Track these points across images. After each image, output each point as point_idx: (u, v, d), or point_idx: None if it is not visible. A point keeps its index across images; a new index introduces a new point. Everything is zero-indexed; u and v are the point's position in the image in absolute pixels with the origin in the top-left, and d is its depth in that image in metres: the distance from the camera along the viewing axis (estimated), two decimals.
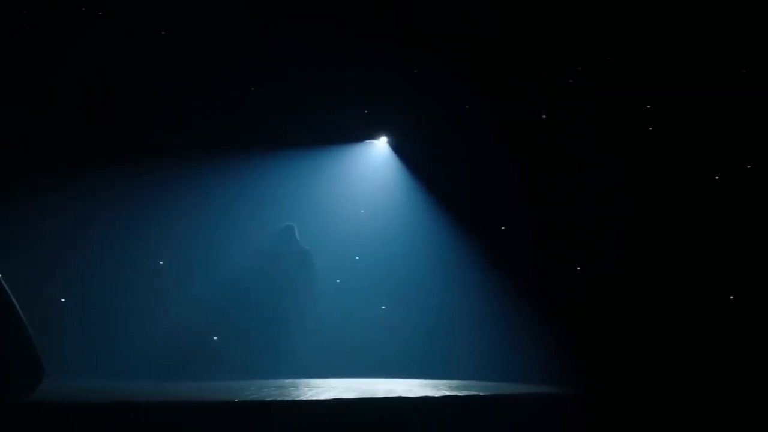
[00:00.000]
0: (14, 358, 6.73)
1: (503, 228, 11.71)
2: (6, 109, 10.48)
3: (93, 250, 11.14)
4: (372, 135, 12.20)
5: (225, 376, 10.23)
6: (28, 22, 10.68)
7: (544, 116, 11.59)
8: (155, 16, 11.09)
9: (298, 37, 11.17)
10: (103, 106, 11.01)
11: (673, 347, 9.83)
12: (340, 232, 11.64)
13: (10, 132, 10.58)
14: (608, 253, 10.69)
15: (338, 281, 11.59)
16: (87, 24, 11.01)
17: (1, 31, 10.50)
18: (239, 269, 11.36)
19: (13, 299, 6.80)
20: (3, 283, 6.80)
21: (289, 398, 6.97)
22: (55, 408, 6.09)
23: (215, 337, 11.21)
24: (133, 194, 11.26)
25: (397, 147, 12.20)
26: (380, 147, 12.27)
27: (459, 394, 7.42)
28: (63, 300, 10.95)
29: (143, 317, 11.12)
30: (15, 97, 10.58)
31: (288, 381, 9.49)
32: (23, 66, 10.60)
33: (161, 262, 11.54)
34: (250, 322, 11.14)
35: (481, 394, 7.45)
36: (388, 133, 12.20)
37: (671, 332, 10.08)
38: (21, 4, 10.68)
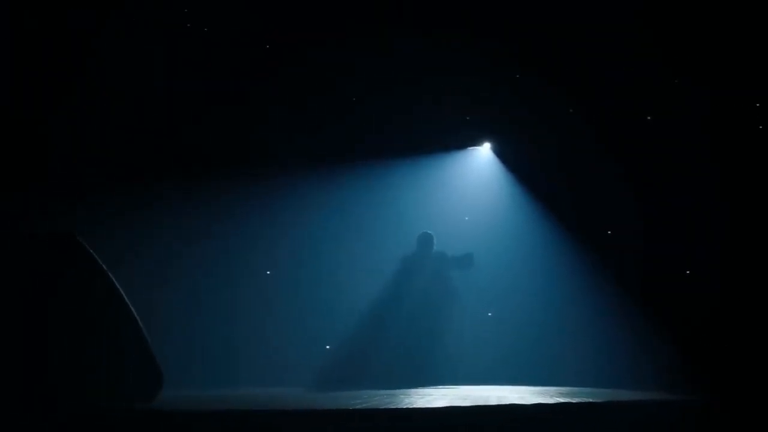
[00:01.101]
0: (134, 366, 6.90)
1: (609, 232, 11.57)
2: (122, 120, 10.74)
3: (204, 258, 11.33)
4: (475, 141, 12.19)
5: (334, 385, 10.30)
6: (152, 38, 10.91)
7: (649, 117, 11.44)
8: (264, 28, 11.25)
9: (400, 47, 11.23)
10: (213, 116, 11.20)
11: None
12: (445, 240, 11.62)
13: (125, 142, 10.83)
14: (718, 256, 10.49)
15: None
16: (196, 40, 11.23)
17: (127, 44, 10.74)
18: (366, 277, 11.43)
19: (132, 308, 6.97)
20: (121, 291, 6.98)
21: (402, 406, 6.99)
22: (175, 416, 6.20)
23: (327, 347, 11.29)
24: (244, 203, 11.43)
25: (500, 153, 12.17)
26: (484, 153, 12.25)
27: (572, 400, 7.35)
28: (173, 308, 11.13)
29: (254, 325, 11.28)
30: (131, 109, 10.84)
31: (398, 390, 9.51)
32: (144, 79, 10.84)
33: (268, 272, 11.68)
34: (372, 331, 11.15)
35: (594, 401, 7.37)
36: (492, 139, 12.17)
37: None
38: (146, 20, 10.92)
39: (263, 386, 10.29)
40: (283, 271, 11.65)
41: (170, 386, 7.29)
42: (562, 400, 7.46)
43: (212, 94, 11.13)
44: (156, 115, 10.98)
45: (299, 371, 10.81)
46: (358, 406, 6.84)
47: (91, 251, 6.94)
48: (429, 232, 11.44)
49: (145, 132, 10.94)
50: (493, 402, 7.19)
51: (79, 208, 10.04)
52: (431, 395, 8.35)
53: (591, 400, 7.52)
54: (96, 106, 10.55)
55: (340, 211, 11.73)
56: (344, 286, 11.49)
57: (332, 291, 11.49)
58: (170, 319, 10.84)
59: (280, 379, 10.74)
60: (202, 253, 11.30)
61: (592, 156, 11.40)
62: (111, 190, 10.57)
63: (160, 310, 10.65)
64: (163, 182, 10.86)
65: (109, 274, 6.96)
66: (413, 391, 9.37)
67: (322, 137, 11.50)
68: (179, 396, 7.83)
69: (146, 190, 10.80)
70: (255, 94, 11.29)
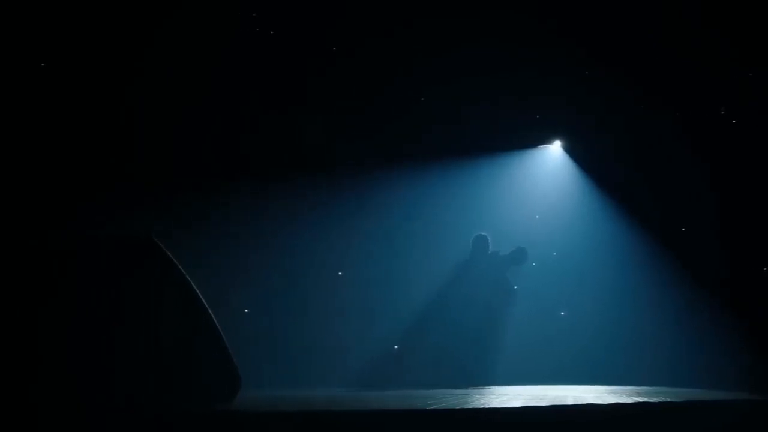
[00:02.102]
0: (212, 367, 6.94)
1: (683, 229, 11.41)
2: (198, 122, 10.86)
3: (279, 259, 11.39)
4: (546, 140, 12.10)
5: (405, 385, 10.29)
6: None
7: (722, 112, 11.26)
8: (333, 29, 11.29)
9: (470, 43, 11.17)
10: (282, 119, 11.26)
11: None
12: (516, 239, 11.55)
13: (199, 146, 10.94)
14: None
15: (516, 287, 11.51)
16: (264, 41, 11.30)
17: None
18: (430, 279, 11.41)
19: (209, 310, 7.02)
20: (198, 294, 7.03)
21: (479, 406, 6.94)
22: (254, 417, 6.23)
23: (395, 347, 11.28)
24: (316, 205, 11.48)
25: (571, 150, 12.06)
26: (554, 151, 12.16)
27: (651, 400, 7.23)
28: (246, 310, 11.21)
29: (325, 326, 11.32)
30: (211, 110, 10.96)
31: (472, 389, 9.46)
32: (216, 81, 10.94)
33: (340, 273, 11.71)
34: (440, 332, 11.12)
35: (674, 400, 7.25)
36: (563, 137, 12.06)
37: None
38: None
39: (332, 387, 10.32)
40: (354, 272, 11.67)
41: (245, 387, 7.32)
42: (640, 399, 7.34)
43: (280, 96, 11.19)
44: (225, 118, 11.06)
45: (367, 371, 10.82)
46: (434, 406, 6.80)
47: (169, 254, 7.00)
48: (483, 233, 11.36)
49: (217, 135, 11.03)
50: (570, 402, 7.10)
51: (156, 210, 10.16)
52: (506, 395, 8.29)
53: (672, 399, 7.39)
54: (171, 109, 10.66)
55: (411, 211, 11.73)
56: (414, 286, 11.48)
57: (401, 292, 11.49)
58: (244, 319, 10.94)
59: (350, 379, 10.75)
60: (275, 255, 11.37)
61: (666, 150, 11.25)
62: (186, 192, 10.68)
63: (233, 311, 10.79)
64: (235, 185, 10.94)
65: (186, 276, 7.01)
66: (486, 390, 9.31)
67: (393, 138, 11.50)
68: (256, 397, 7.87)
69: (220, 192, 10.89)
70: (324, 95, 11.33)
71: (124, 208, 10.02)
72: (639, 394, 8.13)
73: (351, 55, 11.38)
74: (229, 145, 11.08)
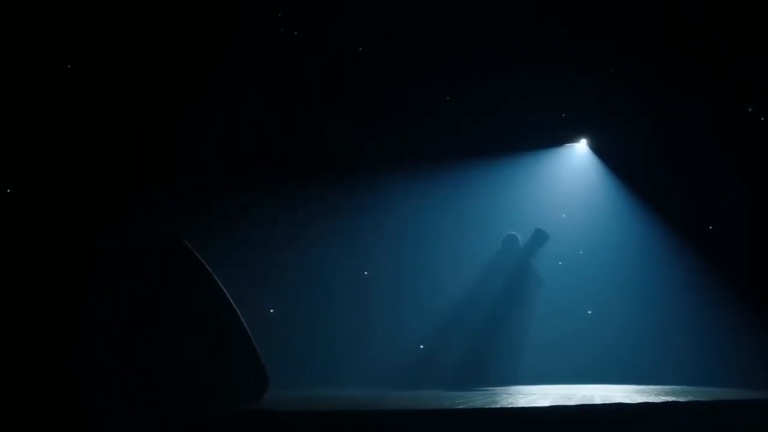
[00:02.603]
0: (241, 367, 6.98)
1: (710, 227, 11.35)
2: (227, 121, 10.90)
3: (307, 259, 11.41)
4: (572, 138, 12.07)
5: (433, 385, 10.28)
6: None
7: (750, 109, 11.20)
8: (359, 25, 11.30)
9: (495, 41, 11.15)
10: (310, 117, 11.27)
11: None
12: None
13: (227, 143, 10.98)
14: None
15: (543, 277, 11.47)
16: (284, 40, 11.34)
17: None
18: (458, 278, 11.41)
19: (237, 310, 7.05)
20: (227, 294, 7.07)
21: (506, 406, 6.93)
22: (283, 417, 6.26)
23: (421, 346, 11.29)
24: (342, 203, 11.50)
25: (598, 149, 12.02)
26: (581, 150, 12.13)
27: (680, 399, 7.21)
28: (272, 311, 11.25)
29: (352, 325, 11.34)
30: (239, 109, 11.00)
31: (498, 389, 9.45)
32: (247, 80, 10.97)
33: (366, 272, 11.73)
34: (467, 331, 11.11)
35: (703, 399, 7.22)
36: (589, 136, 12.03)
37: None
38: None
39: (359, 386, 10.33)
40: (381, 271, 11.68)
41: (272, 386, 7.35)
42: (668, 398, 7.31)
43: (310, 94, 11.21)
44: (253, 118, 11.10)
45: (394, 371, 10.82)
46: (462, 406, 6.81)
47: (197, 254, 7.04)
48: (513, 233, 11.33)
49: (246, 135, 11.07)
50: (598, 401, 7.08)
51: (185, 211, 10.21)
52: (533, 394, 8.28)
53: (700, 399, 7.36)
54: (199, 108, 10.71)
55: (437, 210, 11.72)
56: (441, 285, 11.48)
57: (429, 290, 11.49)
58: (271, 320, 10.98)
59: (377, 379, 10.76)
60: (303, 255, 11.40)
61: (693, 148, 11.20)
62: (215, 193, 10.72)
63: (261, 311, 10.82)
64: (264, 185, 10.97)
65: (214, 276, 7.04)
66: (514, 389, 9.30)
67: (418, 136, 11.49)
68: (284, 396, 7.90)
69: (249, 193, 10.92)
70: (353, 95, 11.34)
71: (154, 209, 10.08)
72: (667, 394, 8.10)
73: (378, 52, 11.37)
74: (258, 144, 11.11)
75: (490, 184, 11.79)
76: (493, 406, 6.94)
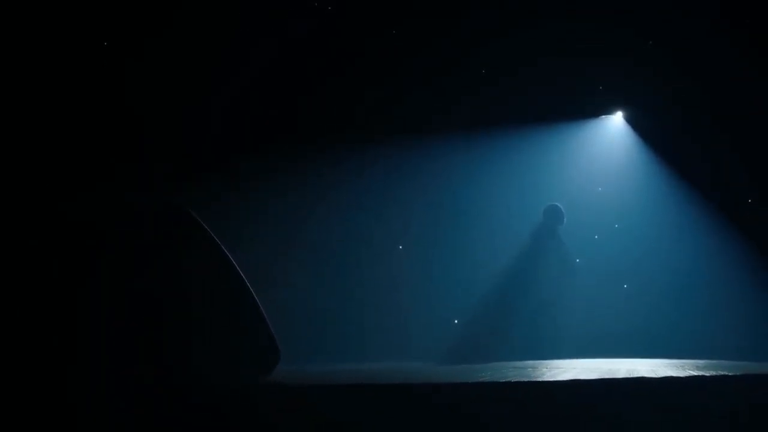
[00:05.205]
0: (251, 340, 6.94)
1: (750, 201, 11.21)
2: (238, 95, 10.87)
3: (323, 232, 11.42)
4: (607, 110, 11.96)
5: (458, 359, 10.28)
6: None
7: None
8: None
9: (530, 12, 11.03)
10: (341, 87, 11.22)
11: None
12: (578, 212, 11.47)
13: (243, 116, 10.97)
14: None
15: (578, 260, 11.42)
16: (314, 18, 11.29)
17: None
18: (495, 251, 11.36)
19: (247, 283, 7.03)
20: (237, 267, 7.03)
21: (529, 379, 6.94)
22: (294, 390, 6.31)
23: (456, 321, 11.30)
24: (365, 175, 11.49)
25: (634, 122, 11.90)
26: (617, 122, 12.02)
27: (705, 374, 7.14)
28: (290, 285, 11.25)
29: (384, 299, 11.37)
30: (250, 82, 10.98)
31: (527, 362, 9.44)
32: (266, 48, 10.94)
33: (400, 246, 11.74)
34: (501, 306, 11.09)
35: (730, 374, 7.14)
36: (625, 108, 11.90)
37: None
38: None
39: (388, 360, 10.37)
40: (414, 245, 11.69)
41: (300, 360, 7.38)
42: (694, 373, 7.26)
43: (341, 64, 11.16)
44: (277, 86, 11.05)
45: (426, 345, 10.82)
46: (486, 379, 6.83)
47: (205, 226, 6.97)
48: (557, 204, 11.25)
49: (268, 105, 11.04)
50: (621, 375, 7.05)
51: (210, 182, 10.23)
52: (559, 367, 8.25)
53: (727, 372, 7.29)
54: (211, 78, 10.67)
55: (470, 182, 11.69)
56: (474, 259, 11.46)
57: (463, 264, 11.48)
58: (303, 296, 11.03)
59: (406, 353, 10.78)
60: (335, 229, 11.43)
61: (731, 122, 11.05)
62: (243, 163, 10.71)
63: (293, 288, 10.87)
64: (293, 155, 10.95)
65: (223, 248, 6.97)
66: (540, 363, 9.28)
67: (454, 109, 11.43)
68: (296, 369, 7.92)
69: (279, 163, 10.90)
70: (385, 64, 11.26)
71: (166, 180, 10.06)
72: (696, 368, 8.03)
73: (408, 20, 11.28)
74: (284, 112, 11.08)
75: (525, 156, 11.69)
76: (518, 379, 6.94)
